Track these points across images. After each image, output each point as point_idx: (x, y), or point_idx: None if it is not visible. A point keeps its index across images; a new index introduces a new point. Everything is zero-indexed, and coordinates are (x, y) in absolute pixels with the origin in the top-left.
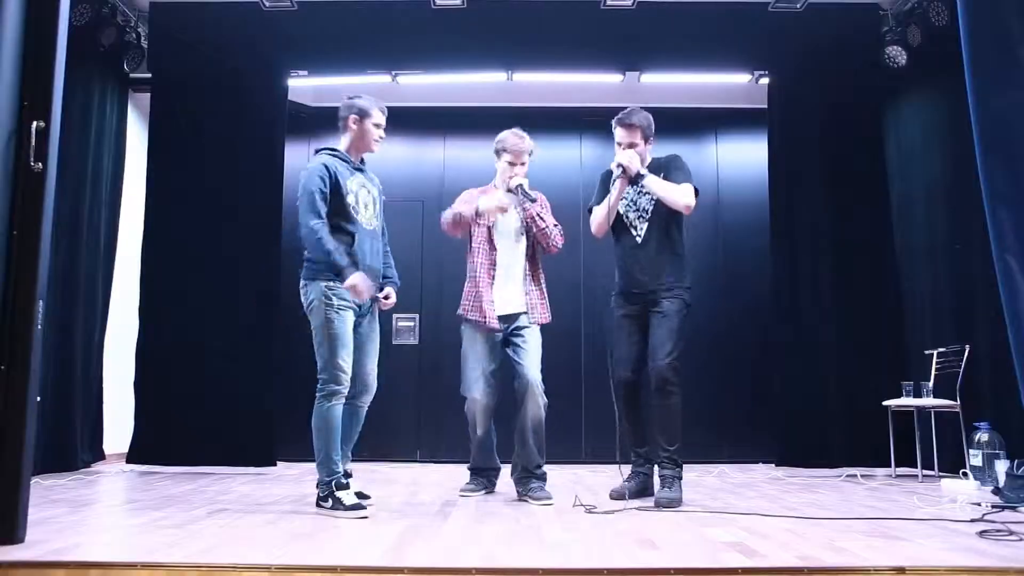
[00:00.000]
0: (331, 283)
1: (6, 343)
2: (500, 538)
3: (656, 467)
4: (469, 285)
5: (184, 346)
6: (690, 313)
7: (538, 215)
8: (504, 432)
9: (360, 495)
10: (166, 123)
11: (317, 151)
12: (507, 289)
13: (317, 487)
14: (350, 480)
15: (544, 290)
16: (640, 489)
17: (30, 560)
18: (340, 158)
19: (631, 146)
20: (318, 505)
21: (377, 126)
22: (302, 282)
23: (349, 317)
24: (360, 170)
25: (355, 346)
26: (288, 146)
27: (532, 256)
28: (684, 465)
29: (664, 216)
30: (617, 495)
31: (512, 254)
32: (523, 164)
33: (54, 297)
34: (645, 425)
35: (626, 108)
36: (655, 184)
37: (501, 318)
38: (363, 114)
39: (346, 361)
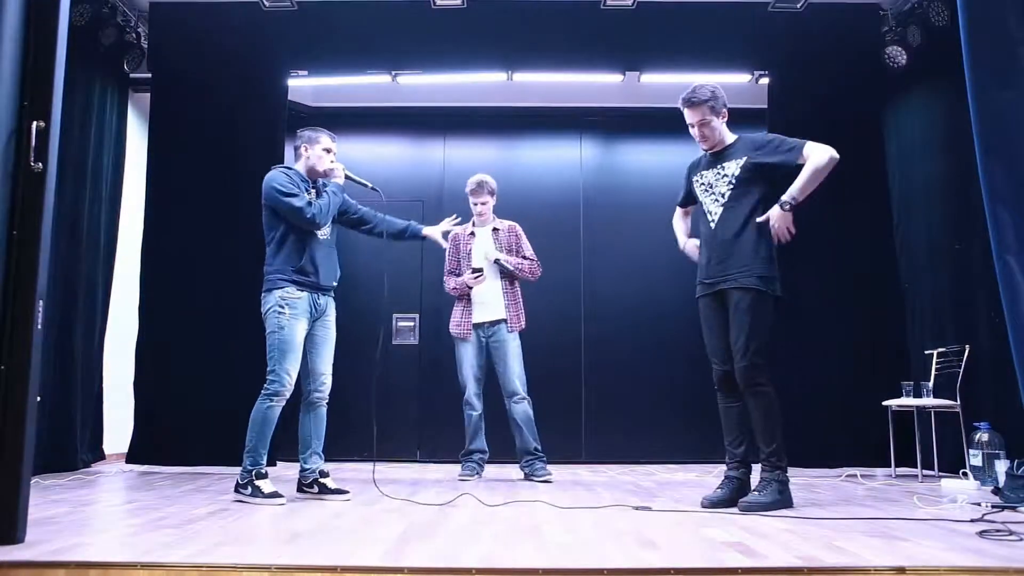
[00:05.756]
0: (286, 292)
1: (6, 343)
2: (500, 538)
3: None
4: (455, 306)
5: (184, 346)
6: (771, 302)
7: (516, 267)
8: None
9: (339, 491)
10: (166, 123)
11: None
12: (488, 302)
13: (240, 475)
14: (327, 479)
15: (520, 302)
16: (731, 496)
17: (30, 560)
18: (297, 173)
19: (702, 125)
20: (236, 491)
21: (327, 151)
22: (263, 292)
23: (301, 326)
24: (315, 187)
25: (310, 348)
26: (288, 146)
27: (508, 276)
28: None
29: (743, 201)
30: (708, 503)
31: (490, 278)
32: (483, 203)
33: (54, 297)
34: (742, 422)
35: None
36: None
37: (482, 324)
38: (311, 142)
39: (293, 368)
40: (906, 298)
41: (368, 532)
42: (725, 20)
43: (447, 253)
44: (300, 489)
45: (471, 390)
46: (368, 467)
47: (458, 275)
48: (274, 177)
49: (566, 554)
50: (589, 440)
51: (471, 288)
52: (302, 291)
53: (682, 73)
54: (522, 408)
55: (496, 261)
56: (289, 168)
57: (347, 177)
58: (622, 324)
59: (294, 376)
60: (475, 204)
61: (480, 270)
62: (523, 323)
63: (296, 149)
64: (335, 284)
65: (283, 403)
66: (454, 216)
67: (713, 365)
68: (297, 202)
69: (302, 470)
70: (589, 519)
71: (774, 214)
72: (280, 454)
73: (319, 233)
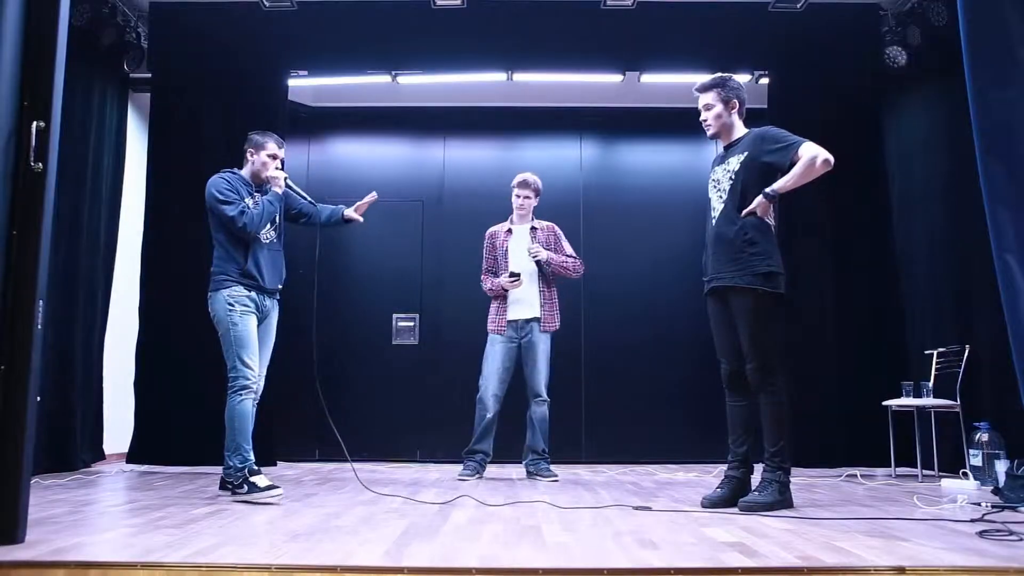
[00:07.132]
0: (233, 291)
1: (6, 343)
2: (500, 538)
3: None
4: (491, 304)
5: (184, 346)
6: (772, 300)
7: (559, 265)
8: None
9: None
10: (166, 123)
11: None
12: (524, 300)
13: (230, 475)
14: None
15: (555, 303)
16: (731, 496)
17: (30, 560)
18: (240, 178)
19: (706, 109)
20: (233, 492)
21: (272, 157)
22: (210, 293)
23: (252, 320)
24: (259, 191)
25: None
26: (288, 146)
27: (545, 275)
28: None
29: (742, 194)
30: (708, 503)
31: (528, 280)
32: (527, 197)
33: (54, 297)
34: (747, 421)
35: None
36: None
37: (516, 322)
38: (258, 147)
39: (252, 359)
40: (906, 298)
41: (368, 532)
42: (725, 20)
43: (484, 251)
44: (223, 487)
45: (491, 389)
46: (367, 467)
47: (495, 274)
48: (214, 183)
49: (566, 554)
50: (589, 440)
51: (507, 291)
52: (249, 291)
53: (682, 73)
54: (542, 411)
55: (538, 261)
56: (233, 173)
57: (287, 186)
58: (622, 324)
59: (255, 367)
60: (518, 196)
61: (518, 275)
62: (557, 324)
63: (244, 151)
64: (280, 287)
65: (251, 396)
66: (372, 195)
67: (721, 363)
68: (230, 211)
69: (228, 467)
70: (589, 519)
71: (759, 202)
72: (280, 454)
73: (261, 236)
